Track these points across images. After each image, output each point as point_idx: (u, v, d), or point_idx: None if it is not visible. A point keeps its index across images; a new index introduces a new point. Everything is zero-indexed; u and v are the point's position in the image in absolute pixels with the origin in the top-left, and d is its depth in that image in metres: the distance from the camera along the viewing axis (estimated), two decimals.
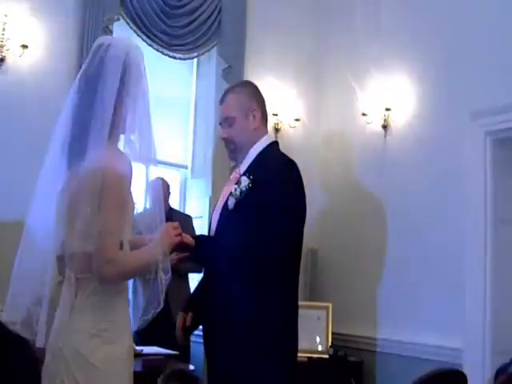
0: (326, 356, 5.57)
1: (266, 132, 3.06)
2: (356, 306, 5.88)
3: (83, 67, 2.38)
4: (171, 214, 5.28)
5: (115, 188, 2.19)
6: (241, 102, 2.96)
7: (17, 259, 2.28)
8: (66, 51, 5.21)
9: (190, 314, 2.94)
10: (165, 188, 5.35)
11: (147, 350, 4.46)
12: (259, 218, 2.68)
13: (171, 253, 2.45)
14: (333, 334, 5.70)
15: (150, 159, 2.33)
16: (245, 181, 2.80)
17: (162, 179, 5.61)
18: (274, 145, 3.02)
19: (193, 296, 3.27)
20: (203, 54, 6.12)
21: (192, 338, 5.44)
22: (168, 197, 5.44)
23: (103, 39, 2.44)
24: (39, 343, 2.31)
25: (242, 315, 2.66)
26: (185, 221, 5.19)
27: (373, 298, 5.74)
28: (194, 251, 2.70)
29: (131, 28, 5.52)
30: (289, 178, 2.80)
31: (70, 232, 2.23)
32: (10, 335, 2.31)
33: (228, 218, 2.84)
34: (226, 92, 3.14)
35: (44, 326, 2.26)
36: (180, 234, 2.50)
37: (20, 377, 2.24)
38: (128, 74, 2.31)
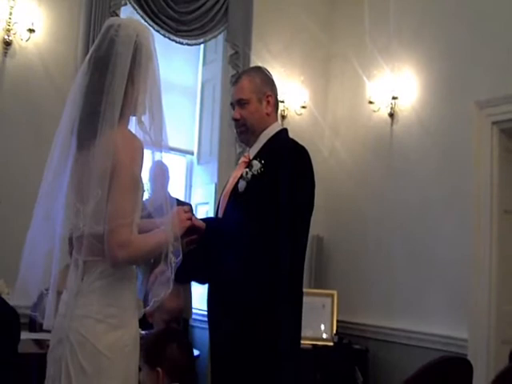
0: (331, 343, 5.58)
1: (277, 119, 3.06)
2: (361, 294, 5.90)
3: (93, 48, 2.35)
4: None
5: (127, 169, 2.16)
6: (256, 85, 2.96)
7: (26, 242, 2.26)
8: (72, 35, 5.20)
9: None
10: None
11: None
12: (269, 202, 2.67)
13: (182, 236, 2.44)
14: (338, 321, 5.72)
15: (161, 144, 2.31)
16: (256, 165, 2.80)
17: (161, 162, 5.58)
18: (284, 131, 3.02)
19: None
20: (210, 40, 6.11)
21: (194, 324, 5.49)
22: (167, 182, 5.39)
23: (113, 20, 2.40)
24: (47, 325, 2.30)
25: (245, 295, 2.65)
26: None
27: (378, 286, 5.75)
28: (203, 234, 2.70)
29: (138, 13, 5.50)
30: (300, 164, 2.80)
31: (79, 214, 2.20)
32: None
33: (237, 201, 2.83)
34: (241, 74, 3.14)
35: (52, 309, 2.25)
36: (190, 218, 2.49)
37: None
38: (139, 55, 2.27)
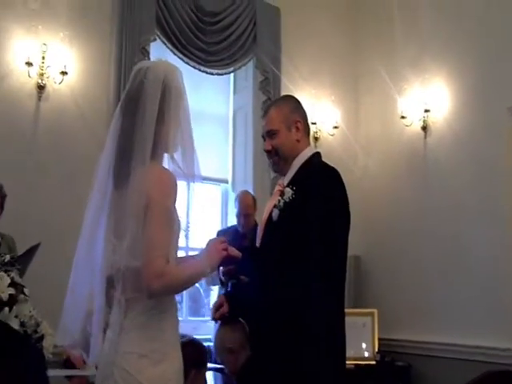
0: (373, 362, 5.57)
1: (309, 144, 3.08)
2: (401, 310, 5.87)
3: (125, 92, 2.43)
4: (256, 229, 5.32)
5: (160, 203, 2.21)
6: (284, 114, 2.98)
7: (69, 283, 2.32)
8: (104, 75, 5.33)
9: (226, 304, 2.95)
10: (252, 202, 5.41)
11: None
12: (301, 230, 2.69)
13: (219, 267, 2.47)
14: (379, 339, 5.71)
15: (193, 175, 2.36)
16: (288, 192, 2.82)
17: (248, 192, 5.62)
18: (317, 155, 3.03)
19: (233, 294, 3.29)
20: (239, 68, 6.19)
21: None
22: (255, 211, 5.41)
23: (142, 63, 2.48)
24: (92, 363, 2.35)
25: (286, 322, 2.67)
26: None
27: (418, 301, 5.72)
28: (240, 264, 2.73)
29: (168, 47, 5.61)
30: (329, 187, 2.81)
31: (116, 249, 2.25)
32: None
33: (272, 231, 2.86)
34: (269, 106, 3.17)
35: (97, 347, 2.29)
36: (226, 249, 2.53)
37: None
38: (168, 95, 2.33)
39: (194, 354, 3.07)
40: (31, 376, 2.17)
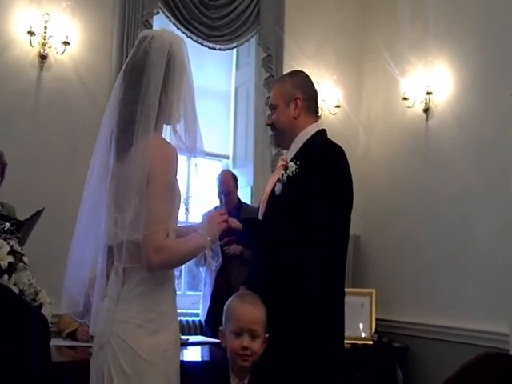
0: (370, 342, 5.58)
1: (314, 121, 3.06)
2: (400, 291, 5.88)
3: (128, 60, 2.41)
4: (240, 207, 5.34)
5: (161, 176, 2.21)
6: (285, 90, 2.98)
7: (70, 252, 2.32)
8: (106, 46, 5.30)
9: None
10: (232, 180, 5.42)
11: (193, 339, 4.51)
12: (305, 203, 2.69)
13: (220, 238, 2.47)
14: (377, 320, 5.71)
15: (195, 150, 2.35)
16: (292, 166, 2.82)
17: (228, 171, 5.68)
18: (322, 132, 3.03)
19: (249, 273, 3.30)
20: (242, 44, 6.15)
21: None
22: (236, 189, 5.47)
23: (147, 32, 2.47)
24: (92, 332, 2.36)
25: (286, 293, 2.67)
26: (252, 213, 5.24)
27: (417, 283, 5.73)
28: (240, 234, 2.73)
29: (171, 21, 5.58)
30: (335, 164, 2.81)
31: (118, 222, 2.25)
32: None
33: (275, 204, 2.86)
34: (275, 81, 3.20)
35: (95, 316, 2.31)
36: (227, 220, 2.52)
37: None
38: (172, 65, 2.32)
39: None
40: (35, 344, 2.18)
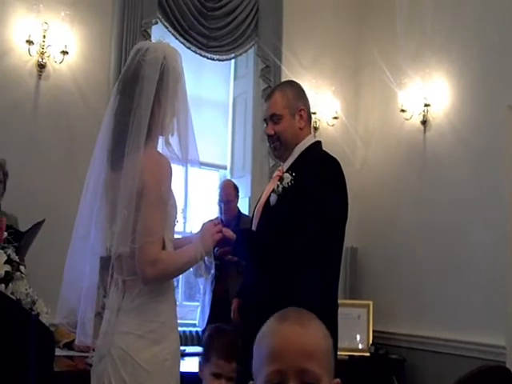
0: (367, 354, 5.57)
1: (310, 132, 3.08)
2: (397, 303, 5.86)
3: (122, 72, 2.42)
4: (240, 217, 5.34)
5: (154, 188, 2.21)
6: (288, 100, 2.97)
7: (66, 262, 2.32)
8: (105, 56, 5.31)
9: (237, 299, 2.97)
10: (233, 190, 5.43)
11: (190, 349, 4.49)
12: (299, 215, 2.69)
13: (214, 248, 2.47)
14: (374, 331, 5.70)
15: (189, 160, 2.35)
16: (287, 177, 2.82)
17: (230, 180, 5.68)
18: (318, 144, 3.03)
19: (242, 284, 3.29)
20: (241, 54, 6.16)
21: None
22: (237, 199, 5.47)
23: (142, 44, 2.47)
24: (79, 341, 2.35)
25: (278, 306, 2.65)
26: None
27: (414, 295, 5.72)
28: (234, 245, 2.72)
29: (169, 31, 5.58)
30: (330, 176, 2.81)
31: (112, 234, 2.25)
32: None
33: (269, 215, 2.86)
34: (274, 89, 3.15)
35: (92, 327, 2.30)
36: (221, 230, 2.52)
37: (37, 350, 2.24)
38: (166, 77, 2.32)
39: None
40: (34, 351, 2.18)
